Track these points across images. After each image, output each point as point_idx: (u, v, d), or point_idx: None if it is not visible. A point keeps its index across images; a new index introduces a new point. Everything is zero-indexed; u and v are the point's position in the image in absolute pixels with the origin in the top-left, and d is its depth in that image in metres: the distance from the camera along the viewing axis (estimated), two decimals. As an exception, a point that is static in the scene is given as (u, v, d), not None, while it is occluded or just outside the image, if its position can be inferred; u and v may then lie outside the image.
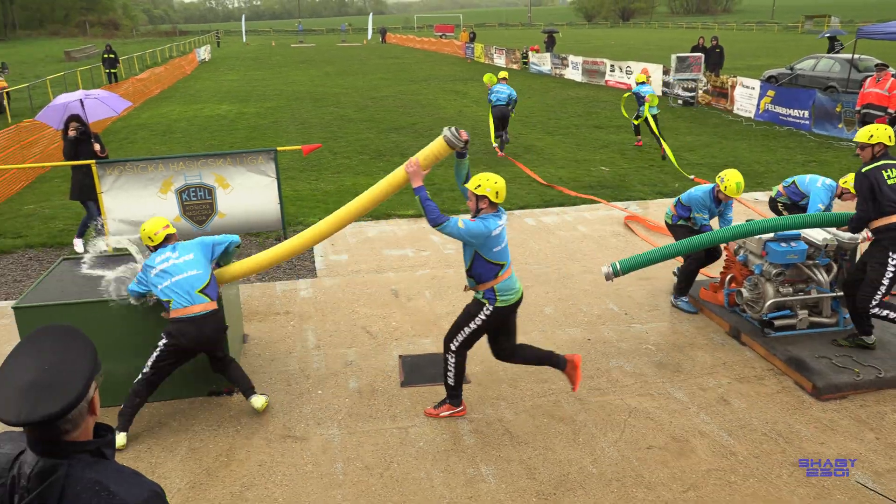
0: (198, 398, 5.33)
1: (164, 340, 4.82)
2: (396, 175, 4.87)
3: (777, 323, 5.93)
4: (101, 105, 9.42)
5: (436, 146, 4.74)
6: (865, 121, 13.00)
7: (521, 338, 6.15)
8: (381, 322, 6.63)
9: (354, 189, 11.45)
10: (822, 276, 5.96)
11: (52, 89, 25.12)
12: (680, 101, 20.40)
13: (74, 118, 8.74)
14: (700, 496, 4.18)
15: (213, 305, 4.89)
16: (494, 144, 13.98)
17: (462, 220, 4.46)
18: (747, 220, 6.01)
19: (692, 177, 11.56)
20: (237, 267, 5.26)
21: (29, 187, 12.11)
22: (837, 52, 21.10)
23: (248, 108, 21.61)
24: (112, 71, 30.26)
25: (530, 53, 33.81)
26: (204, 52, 48.55)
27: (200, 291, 4.86)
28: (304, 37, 79.19)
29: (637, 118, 13.75)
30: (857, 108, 13.27)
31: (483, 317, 4.69)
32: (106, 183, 8.22)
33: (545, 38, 35.64)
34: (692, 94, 20.24)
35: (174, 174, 8.39)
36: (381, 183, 4.94)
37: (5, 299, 7.32)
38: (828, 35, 22.77)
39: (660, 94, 22.26)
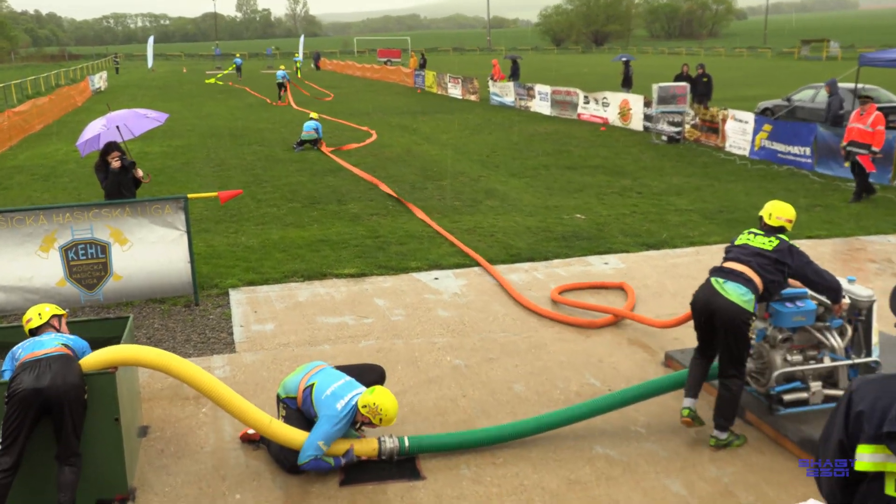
0: (83, 509, 5.09)
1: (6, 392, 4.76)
2: (287, 436, 5.37)
3: (787, 398, 6.02)
4: (142, 119, 9.79)
5: (364, 448, 5.54)
6: (851, 160, 13.34)
7: (486, 422, 6.12)
8: (315, 406, 6.48)
9: (282, 244, 11.37)
10: (836, 341, 6.10)
11: None
12: (664, 138, 21.03)
13: (113, 146, 9.43)
14: None
15: (65, 350, 4.99)
16: None
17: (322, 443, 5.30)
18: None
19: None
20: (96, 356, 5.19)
21: None
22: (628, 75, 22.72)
23: (153, 147, 21.47)
24: None
25: (490, 81, 34.64)
26: (99, 80, 48.44)
27: (59, 343, 5.05)
28: (222, 62, 79.66)
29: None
30: (843, 143, 13.57)
31: None
32: (-28, 239, 7.99)
33: (510, 64, 36.72)
34: (678, 129, 20.91)
35: (59, 227, 8.21)
36: (274, 426, 5.36)
37: None
38: (623, 59, 24.71)
39: (641, 129, 23.00)
